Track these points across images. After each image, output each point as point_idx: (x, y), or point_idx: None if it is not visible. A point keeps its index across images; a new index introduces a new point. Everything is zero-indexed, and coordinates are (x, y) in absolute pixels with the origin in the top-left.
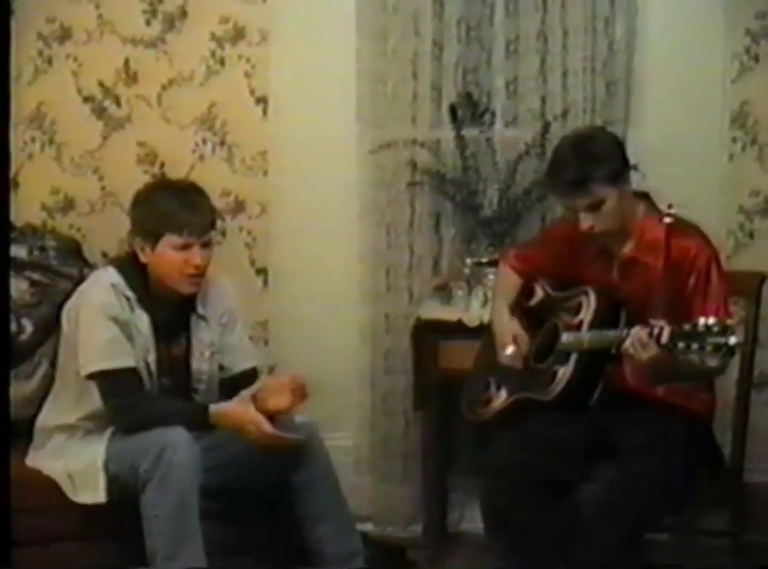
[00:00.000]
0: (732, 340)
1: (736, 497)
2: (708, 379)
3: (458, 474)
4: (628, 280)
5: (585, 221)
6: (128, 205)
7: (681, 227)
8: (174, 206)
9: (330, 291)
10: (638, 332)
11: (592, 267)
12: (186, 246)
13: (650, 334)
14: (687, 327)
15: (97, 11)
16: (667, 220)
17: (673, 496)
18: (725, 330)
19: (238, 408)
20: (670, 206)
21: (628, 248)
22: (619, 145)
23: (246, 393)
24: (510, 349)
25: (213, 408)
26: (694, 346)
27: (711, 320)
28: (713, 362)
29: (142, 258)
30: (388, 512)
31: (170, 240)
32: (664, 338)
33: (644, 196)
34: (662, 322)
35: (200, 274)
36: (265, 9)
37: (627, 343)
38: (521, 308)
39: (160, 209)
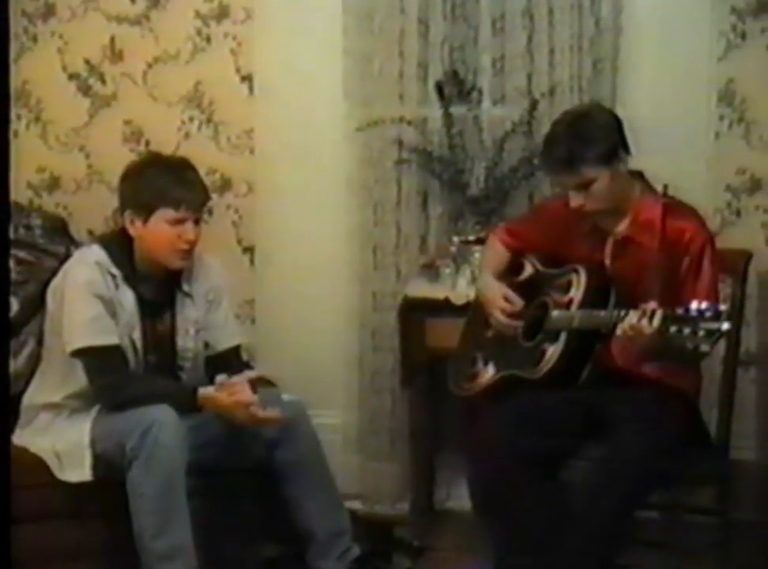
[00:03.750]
0: (725, 325)
1: (722, 474)
2: (694, 359)
3: (446, 452)
4: (621, 260)
5: (575, 199)
6: (114, 183)
7: (677, 208)
8: (170, 181)
9: (317, 269)
10: (634, 320)
11: (583, 245)
12: (180, 221)
13: (642, 316)
14: (679, 311)
15: None
16: (664, 200)
17: (660, 474)
18: (719, 315)
19: (228, 393)
20: (666, 187)
21: (623, 227)
22: (615, 125)
23: (235, 379)
24: (501, 303)
25: (203, 390)
26: (686, 330)
27: (704, 305)
28: (705, 346)
29: (132, 232)
30: (376, 490)
31: (165, 214)
32: (656, 321)
33: (638, 175)
34: (653, 305)
35: (190, 250)
36: None
37: (622, 327)
38: (508, 283)
39: (155, 183)
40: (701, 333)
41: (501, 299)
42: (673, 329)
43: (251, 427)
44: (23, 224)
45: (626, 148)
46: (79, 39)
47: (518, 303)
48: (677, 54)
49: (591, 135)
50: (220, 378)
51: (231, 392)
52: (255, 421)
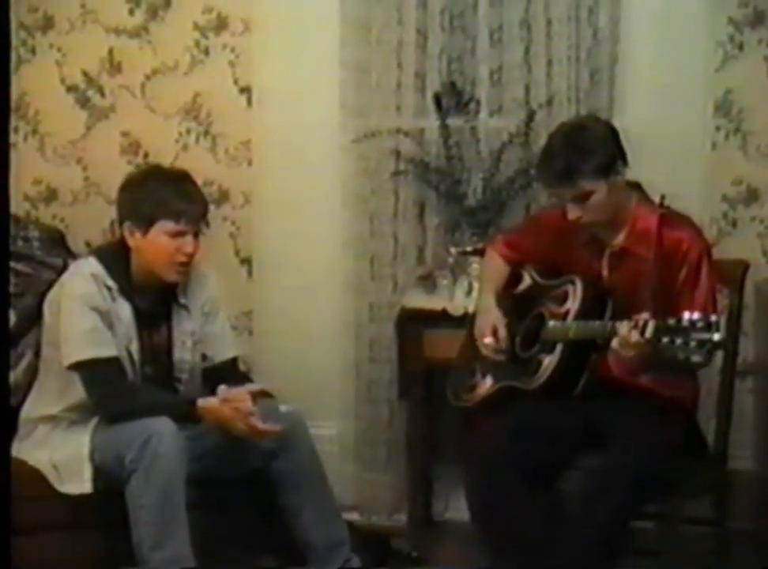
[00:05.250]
0: (717, 336)
1: (719, 484)
2: (692, 369)
3: (443, 463)
4: (617, 271)
5: (573, 212)
6: (112, 196)
7: (674, 218)
8: (171, 193)
9: (314, 280)
10: (623, 331)
11: (580, 256)
12: (179, 234)
13: (635, 327)
14: (671, 322)
15: (80, 0)
16: (660, 210)
17: (657, 484)
18: (710, 326)
19: (227, 405)
20: (663, 197)
21: (620, 238)
22: (612, 137)
23: (237, 391)
24: (487, 340)
25: (201, 402)
26: (678, 341)
27: (696, 315)
28: (697, 358)
29: (131, 243)
30: (373, 501)
31: (165, 227)
32: (649, 332)
33: (636, 186)
34: (646, 316)
35: (188, 263)
36: None
37: (614, 343)
38: (507, 295)
39: (156, 195)
40: (692, 343)
41: (489, 332)
42: (665, 340)
43: (250, 438)
44: (20, 236)
45: (623, 159)
46: (77, 52)
47: (503, 341)
48: (674, 64)
49: (588, 147)
50: (222, 388)
51: (231, 402)
52: (254, 433)
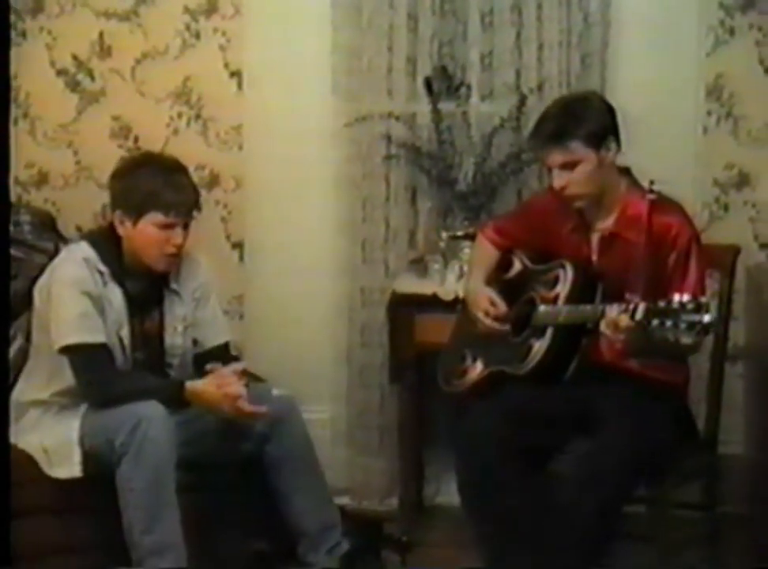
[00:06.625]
0: (706, 318)
1: (710, 469)
2: (682, 355)
3: (434, 447)
4: (607, 255)
5: (559, 179)
6: (103, 180)
7: (663, 204)
8: (161, 184)
9: (306, 265)
10: (612, 313)
11: (570, 241)
12: (169, 226)
13: (625, 310)
14: (661, 304)
15: None
16: (650, 196)
17: (648, 468)
18: (699, 308)
19: (214, 386)
20: (652, 182)
21: (609, 223)
22: (608, 111)
23: (225, 370)
24: (489, 309)
25: (190, 384)
26: (668, 323)
27: (686, 297)
28: (687, 339)
29: (120, 232)
30: (365, 485)
31: (154, 218)
32: (639, 314)
33: (626, 171)
34: (636, 298)
35: (177, 254)
36: None
37: (603, 325)
38: (497, 280)
39: (146, 186)
40: (682, 325)
41: (486, 301)
42: (655, 322)
43: (238, 420)
44: (11, 220)
45: (616, 138)
46: (67, 35)
47: (502, 307)
48: (665, 49)
49: (582, 114)
50: (211, 365)
51: (219, 384)
52: (242, 414)
